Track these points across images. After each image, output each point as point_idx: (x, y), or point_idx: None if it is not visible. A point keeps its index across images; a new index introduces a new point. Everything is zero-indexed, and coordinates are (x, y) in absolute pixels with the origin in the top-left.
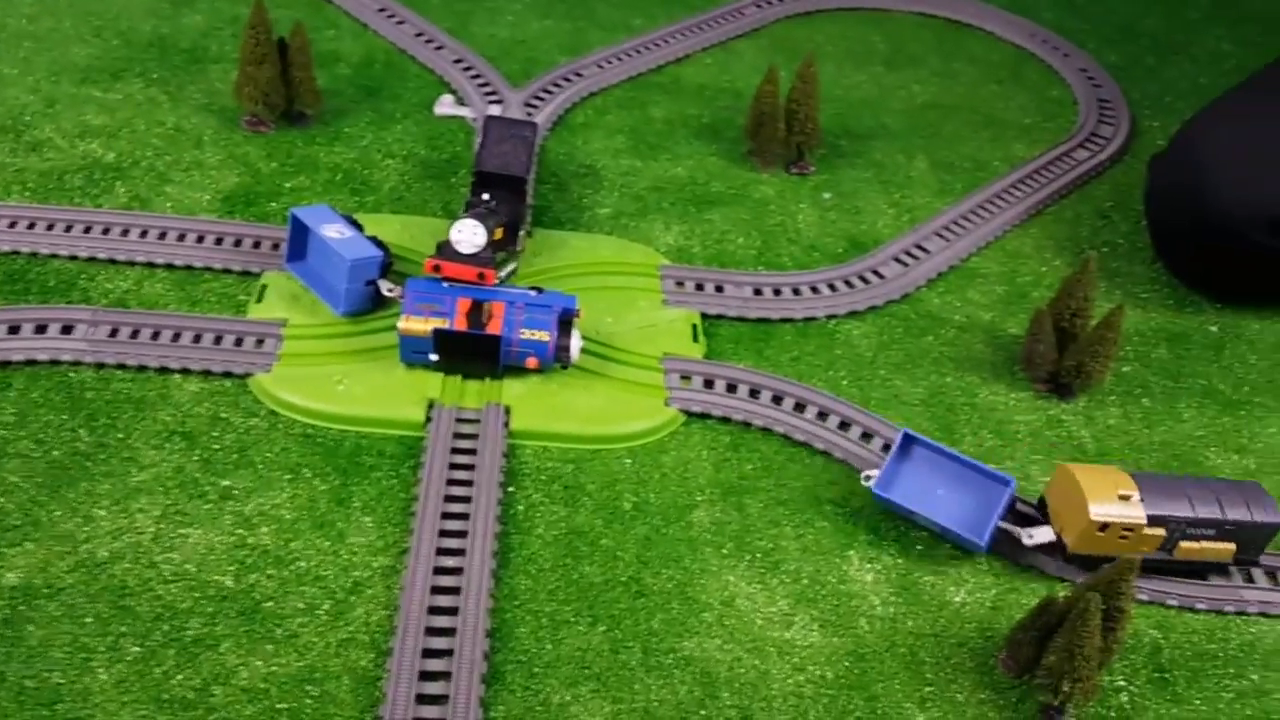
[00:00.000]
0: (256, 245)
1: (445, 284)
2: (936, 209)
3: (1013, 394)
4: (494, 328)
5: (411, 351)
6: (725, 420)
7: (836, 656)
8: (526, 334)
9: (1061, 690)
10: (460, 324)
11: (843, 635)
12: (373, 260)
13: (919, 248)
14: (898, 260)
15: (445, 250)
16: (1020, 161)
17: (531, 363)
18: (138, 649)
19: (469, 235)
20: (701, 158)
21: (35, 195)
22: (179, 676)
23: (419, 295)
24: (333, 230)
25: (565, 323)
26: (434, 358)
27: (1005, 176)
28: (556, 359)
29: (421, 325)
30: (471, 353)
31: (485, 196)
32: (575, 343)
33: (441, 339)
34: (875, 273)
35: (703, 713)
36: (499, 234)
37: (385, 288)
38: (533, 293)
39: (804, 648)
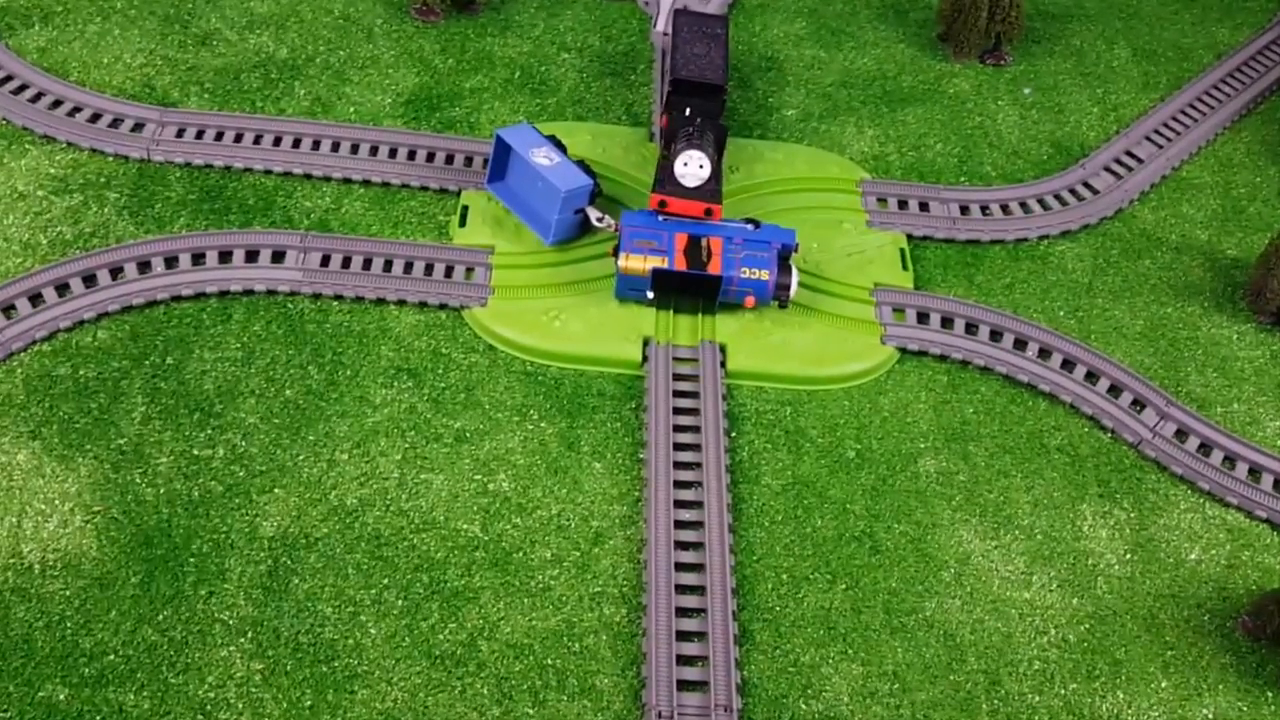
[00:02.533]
0: (449, 160)
1: (661, 218)
2: (1143, 107)
3: (1235, 326)
4: (714, 267)
5: (628, 288)
6: (942, 358)
7: (1077, 618)
8: (746, 273)
9: None
10: (680, 263)
11: (1082, 596)
12: (584, 190)
13: (1130, 155)
14: (1109, 170)
15: (667, 184)
16: (1226, 50)
17: (749, 302)
18: (402, 602)
19: (694, 168)
20: (889, 45)
21: (214, 98)
22: (445, 631)
23: (635, 231)
24: (541, 155)
25: (784, 259)
26: (650, 295)
27: (1212, 69)
28: (775, 298)
29: (641, 264)
30: (689, 291)
31: (688, 111)
32: (794, 281)
33: (660, 278)
34: (1087, 185)
35: (951, 678)
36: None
37: (594, 216)
38: (750, 226)
39: (1044, 609)
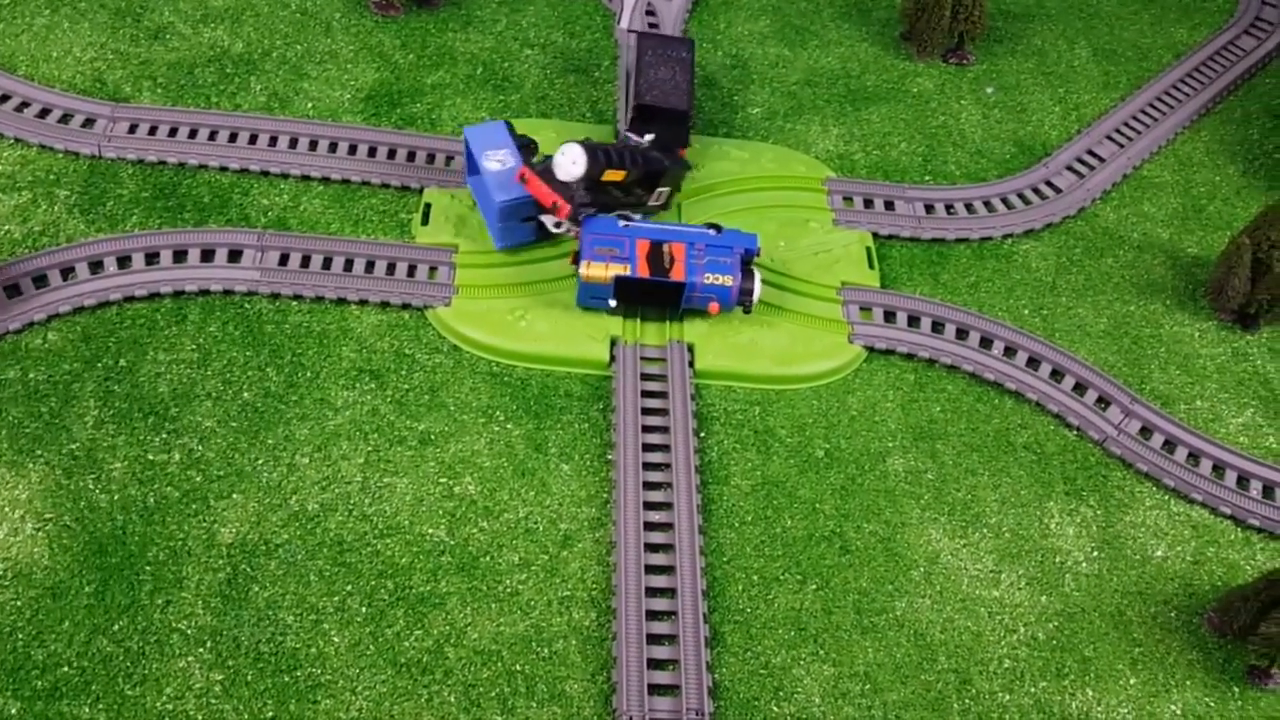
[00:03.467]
0: (411, 157)
1: (622, 224)
2: (1104, 107)
3: (1196, 324)
4: (677, 273)
5: (590, 297)
6: (909, 357)
7: (1046, 616)
8: (709, 279)
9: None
10: (643, 270)
11: (1050, 594)
12: (525, 201)
13: (1091, 154)
14: (1071, 169)
15: (540, 165)
16: (1184, 50)
17: (713, 308)
18: (366, 609)
19: (567, 162)
20: (852, 44)
21: (168, 93)
22: (411, 638)
23: (597, 238)
24: (493, 159)
25: (747, 264)
26: (613, 304)
27: (1170, 69)
28: (739, 303)
29: (603, 272)
30: (652, 298)
31: (649, 136)
32: (757, 286)
33: (623, 286)
34: (1050, 184)
35: (922, 677)
36: (617, 176)
37: (550, 223)
38: (712, 231)
39: (1013, 607)
